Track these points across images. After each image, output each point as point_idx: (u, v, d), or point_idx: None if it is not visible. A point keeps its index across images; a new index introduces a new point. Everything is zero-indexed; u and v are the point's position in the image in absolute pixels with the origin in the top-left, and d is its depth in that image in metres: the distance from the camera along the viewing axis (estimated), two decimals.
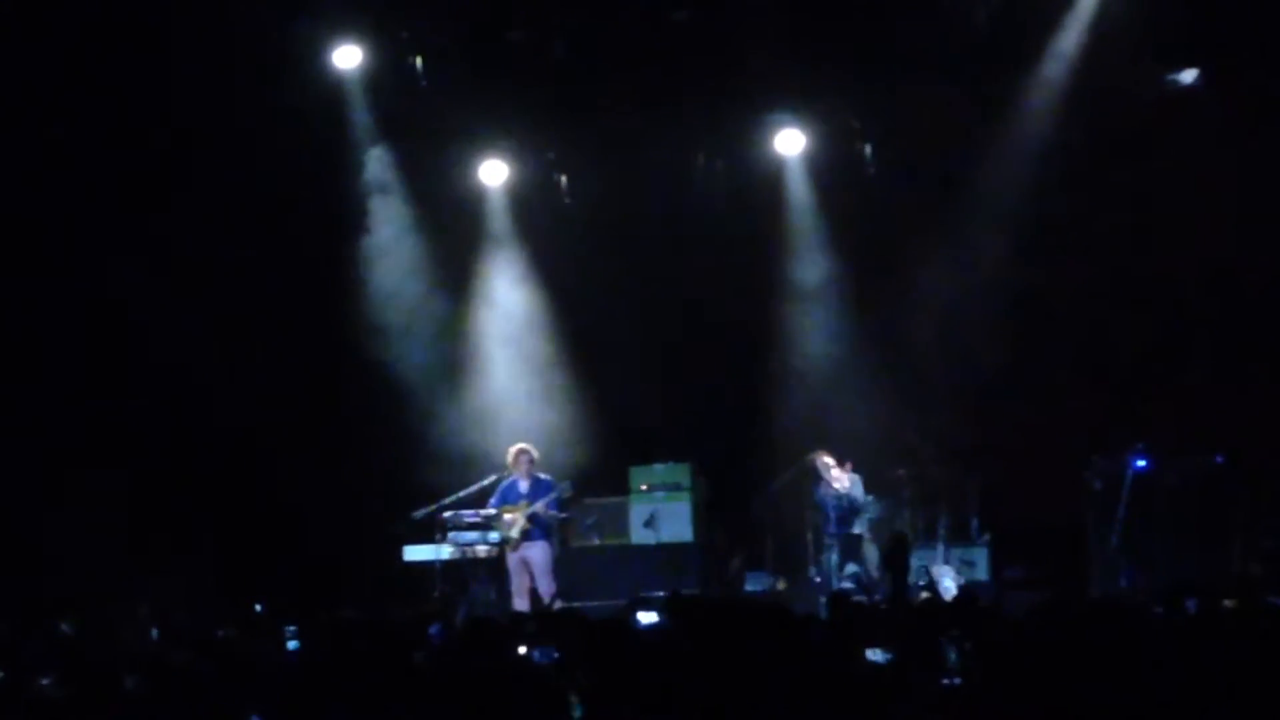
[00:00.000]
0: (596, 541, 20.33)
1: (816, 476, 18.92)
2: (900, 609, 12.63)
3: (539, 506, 18.20)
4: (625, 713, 7.99)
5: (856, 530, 18.92)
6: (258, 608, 16.77)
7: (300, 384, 20.30)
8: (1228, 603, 10.52)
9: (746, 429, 20.69)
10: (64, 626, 14.06)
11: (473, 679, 8.03)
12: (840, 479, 18.82)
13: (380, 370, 20.76)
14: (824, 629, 10.32)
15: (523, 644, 9.52)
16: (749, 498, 20.07)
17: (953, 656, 9.41)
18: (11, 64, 18.39)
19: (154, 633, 13.03)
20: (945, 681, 8.93)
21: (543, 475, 18.54)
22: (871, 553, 18.92)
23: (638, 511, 20.31)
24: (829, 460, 18.90)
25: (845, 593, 14.87)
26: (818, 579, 18.88)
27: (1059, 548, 18.51)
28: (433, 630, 10.00)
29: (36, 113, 18.82)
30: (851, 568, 18.75)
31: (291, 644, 12.21)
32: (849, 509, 18.78)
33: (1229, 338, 19.09)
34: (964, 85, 19.13)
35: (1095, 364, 19.60)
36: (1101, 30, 18.80)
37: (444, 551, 18.55)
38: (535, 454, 18.57)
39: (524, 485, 18.43)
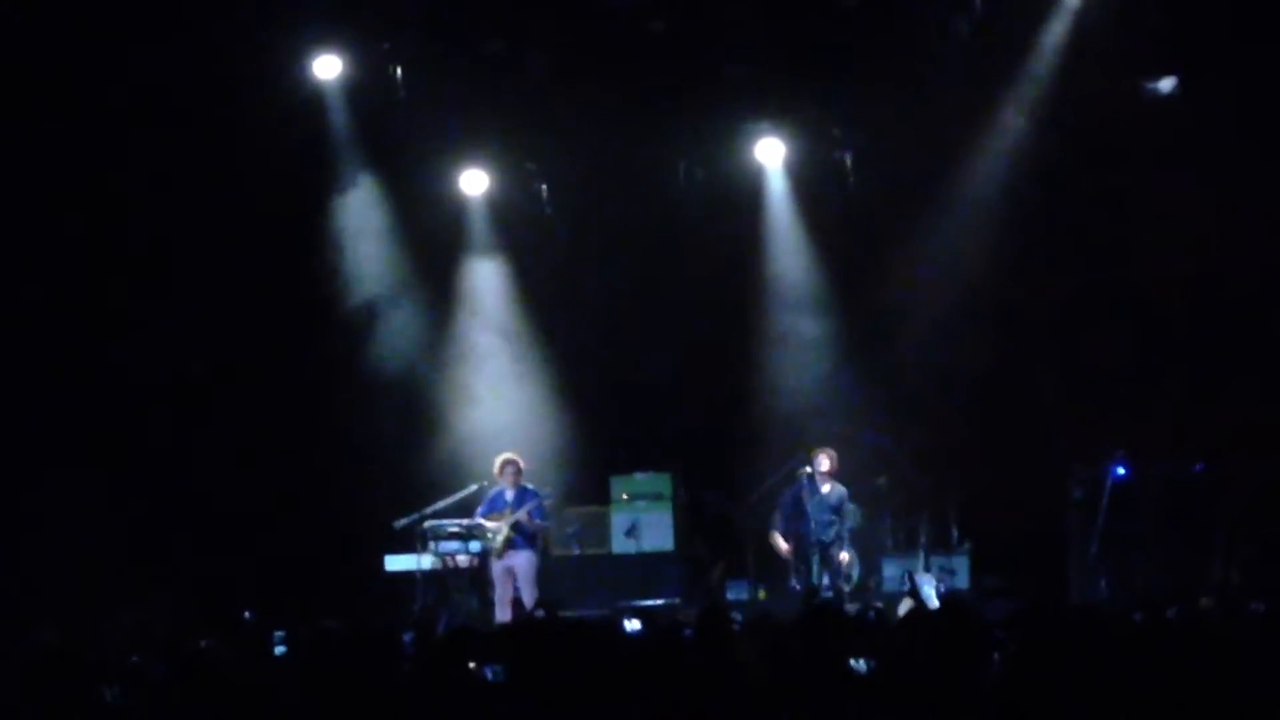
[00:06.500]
0: (577, 551, 20.32)
1: (798, 479, 18.74)
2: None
3: (521, 515, 18.18)
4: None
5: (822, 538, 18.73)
6: (246, 615, 16.71)
7: (281, 393, 20.24)
8: (1205, 601, 10.51)
9: (728, 439, 20.69)
10: (45, 634, 13.98)
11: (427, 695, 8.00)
12: (824, 484, 18.73)
13: (361, 379, 20.75)
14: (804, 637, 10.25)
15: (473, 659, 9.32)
16: (730, 507, 20.06)
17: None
18: None
19: (133, 645, 12.96)
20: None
21: (529, 485, 18.52)
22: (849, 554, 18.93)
23: (619, 521, 20.32)
24: (813, 470, 18.67)
25: (825, 602, 14.79)
26: (798, 587, 18.82)
27: (1039, 555, 18.55)
28: (406, 639, 9.92)
29: (12, 121, 18.75)
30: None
31: (279, 649, 12.18)
32: (801, 510, 18.57)
33: (1208, 346, 19.12)
34: (944, 95, 19.15)
35: (1075, 372, 19.62)
36: (1081, 40, 18.83)
37: (425, 561, 18.49)
38: (522, 464, 18.54)
39: (510, 495, 18.41)
